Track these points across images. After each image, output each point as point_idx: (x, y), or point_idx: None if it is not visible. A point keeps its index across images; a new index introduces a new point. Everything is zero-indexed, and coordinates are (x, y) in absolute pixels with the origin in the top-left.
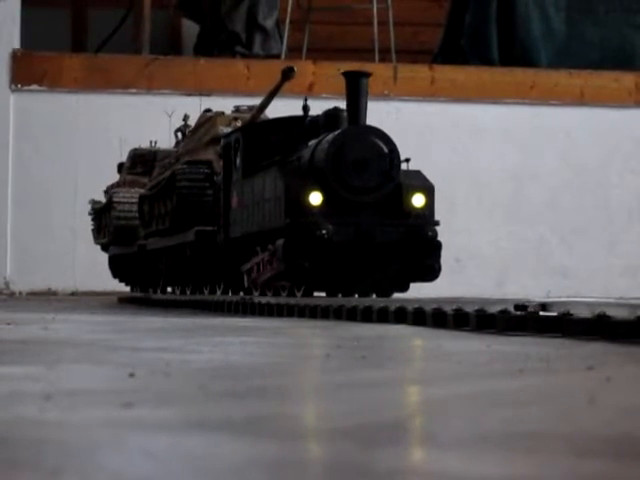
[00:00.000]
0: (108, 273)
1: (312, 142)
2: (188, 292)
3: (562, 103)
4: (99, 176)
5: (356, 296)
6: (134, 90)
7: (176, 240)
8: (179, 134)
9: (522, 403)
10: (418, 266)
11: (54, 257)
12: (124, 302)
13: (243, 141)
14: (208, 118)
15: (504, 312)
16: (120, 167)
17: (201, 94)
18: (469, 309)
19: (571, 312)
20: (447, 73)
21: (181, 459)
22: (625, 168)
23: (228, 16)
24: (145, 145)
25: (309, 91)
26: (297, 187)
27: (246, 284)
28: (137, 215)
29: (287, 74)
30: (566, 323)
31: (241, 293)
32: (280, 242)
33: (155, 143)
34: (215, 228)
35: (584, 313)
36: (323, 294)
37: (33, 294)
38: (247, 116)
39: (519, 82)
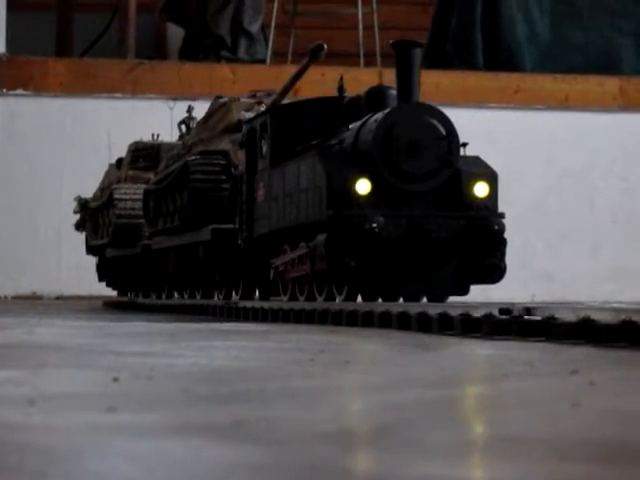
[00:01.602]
0: (94, 277)
1: (354, 124)
2: (199, 297)
3: (547, 107)
4: (84, 180)
5: (401, 300)
6: (119, 94)
7: (187, 239)
8: (183, 126)
9: (506, 407)
10: (480, 265)
11: (39, 261)
12: (109, 306)
13: (272, 125)
14: (222, 104)
15: (489, 316)
16: (119, 163)
17: (173, 100)
18: (453, 313)
19: (555, 316)
20: (432, 77)
21: (164, 464)
22: (609, 172)
23: (213, 20)
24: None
25: (294, 95)
26: (341, 174)
27: (271, 277)
28: (141, 213)
29: (316, 53)
30: (550, 327)
31: (251, 295)
32: (322, 237)
33: (157, 136)
34: (235, 226)
35: (568, 317)
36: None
37: (18, 298)
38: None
39: (504, 86)
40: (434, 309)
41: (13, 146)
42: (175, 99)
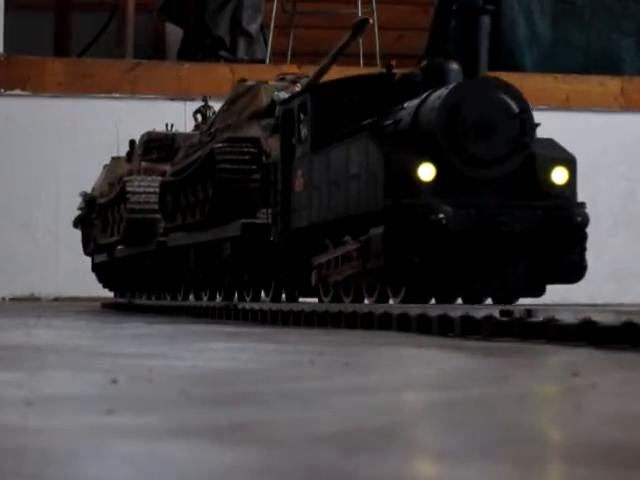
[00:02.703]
0: (92, 279)
1: (409, 102)
2: (219, 298)
3: (548, 107)
4: (82, 181)
5: (459, 301)
6: (118, 94)
7: (212, 236)
8: (198, 116)
9: (507, 410)
10: (558, 263)
11: (37, 262)
12: (107, 308)
13: (312, 105)
14: (248, 88)
15: (489, 318)
16: (130, 155)
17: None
18: (454, 315)
19: (557, 318)
20: None
21: (163, 466)
22: (611, 173)
23: (212, 20)
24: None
25: None
26: (400, 158)
27: (314, 282)
28: (156, 207)
29: (360, 27)
30: (551, 329)
31: (279, 297)
32: (378, 231)
33: (172, 126)
34: (268, 220)
35: (569, 319)
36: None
37: (16, 300)
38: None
39: None
40: (434, 310)
41: (10, 147)
42: (173, 99)
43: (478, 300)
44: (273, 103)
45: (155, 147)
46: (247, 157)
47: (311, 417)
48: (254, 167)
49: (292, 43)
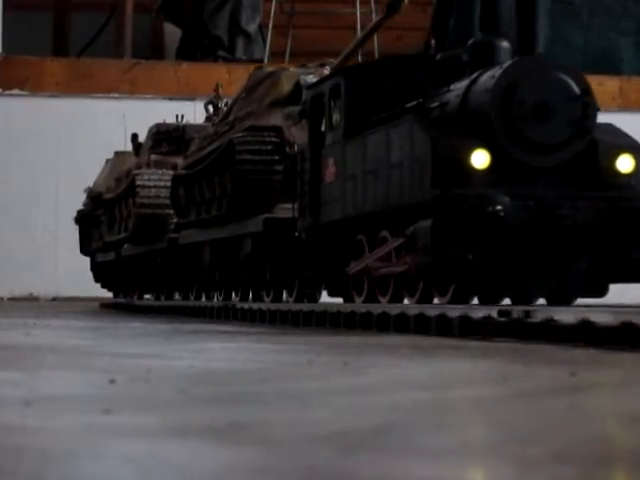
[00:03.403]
0: (91, 279)
1: (456, 84)
2: (236, 298)
3: None
4: (81, 181)
5: (507, 301)
6: (116, 94)
7: (230, 232)
8: (210, 107)
9: (505, 409)
10: (623, 259)
11: (35, 262)
12: (106, 308)
13: (346, 88)
14: (268, 74)
15: (488, 318)
16: (138, 148)
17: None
18: (452, 315)
19: (555, 318)
20: None
21: (161, 466)
22: None
23: (211, 20)
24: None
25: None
26: (452, 143)
27: (350, 274)
28: (167, 202)
29: (394, 6)
30: (549, 329)
31: (308, 297)
32: (425, 224)
33: (182, 118)
34: (293, 214)
35: (568, 319)
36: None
37: (15, 299)
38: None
39: None
40: (432, 310)
41: (9, 147)
42: (172, 99)
43: (528, 301)
44: (295, 90)
45: (165, 139)
46: (269, 147)
47: (309, 417)
48: (277, 158)
49: (290, 43)
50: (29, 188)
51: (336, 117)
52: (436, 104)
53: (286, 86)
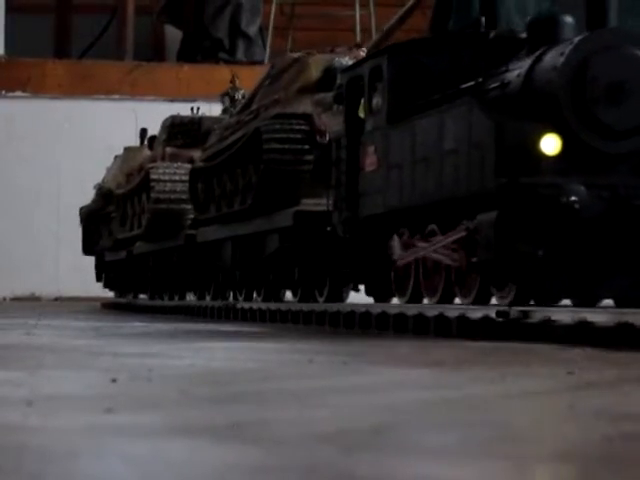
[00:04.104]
0: (92, 278)
1: (515, 63)
2: (259, 299)
3: None
4: (82, 182)
5: (566, 302)
6: (117, 96)
7: (255, 227)
8: (226, 99)
9: (504, 408)
10: None
11: (37, 262)
12: (107, 308)
13: (390, 69)
14: (294, 60)
15: (486, 319)
16: (151, 141)
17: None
18: (451, 315)
19: (552, 318)
20: None
21: (162, 465)
22: None
23: (211, 23)
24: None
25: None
26: (518, 127)
27: (393, 270)
28: (183, 197)
29: None
30: (548, 329)
31: (339, 296)
32: (488, 216)
33: (197, 110)
34: (327, 207)
35: (565, 319)
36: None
37: (17, 299)
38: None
39: None
40: (431, 310)
41: (11, 148)
42: (172, 100)
43: (595, 302)
44: (325, 76)
45: (180, 132)
46: (298, 135)
47: (309, 416)
48: (306, 147)
49: (290, 45)
50: (31, 189)
51: (377, 101)
52: (496, 84)
53: (314, 72)
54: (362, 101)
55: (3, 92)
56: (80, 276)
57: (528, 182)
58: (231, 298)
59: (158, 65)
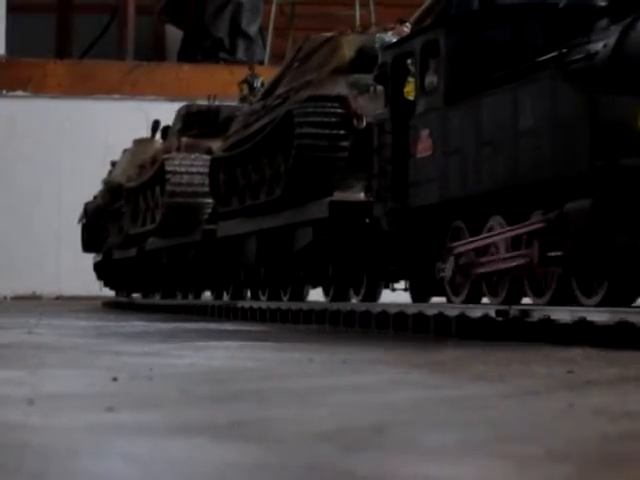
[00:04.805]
0: (93, 277)
1: (598, 34)
2: (285, 298)
3: None
4: (83, 182)
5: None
6: (118, 96)
7: (284, 220)
8: (245, 86)
9: (503, 408)
10: None
11: (38, 262)
12: (108, 307)
13: (448, 43)
14: (325, 40)
15: (486, 318)
16: (165, 131)
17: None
18: (451, 314)
19: (552, 318)
20: None
21: (163, 463)
22: None
23: (212, 23)
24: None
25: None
26: (615, 102)
27: (448, 274)
28: (200, 190)
29: None
30: (547, 328)
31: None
32: (581, 204)
33: (214, 98)
34: (369, 196)
35: (565, 319)
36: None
37: (18, 298)
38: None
39: None
40: (431, 309)
41: (12, 147)
42: (173, 100)
43: None
44: (359, 56)
45: (196, 121)
46: (333, 119)
47: (309, 415)
48: (342, 132)
49: (291, 45)
50: (32, 188)
51: (431, 79)
52: (580, 56)
53: (348, 52)
54: (409, 81)
55: (4, 92)
56: (81, 275)
57: (629, 164)
58: (264, 298)
59: (158, 65)
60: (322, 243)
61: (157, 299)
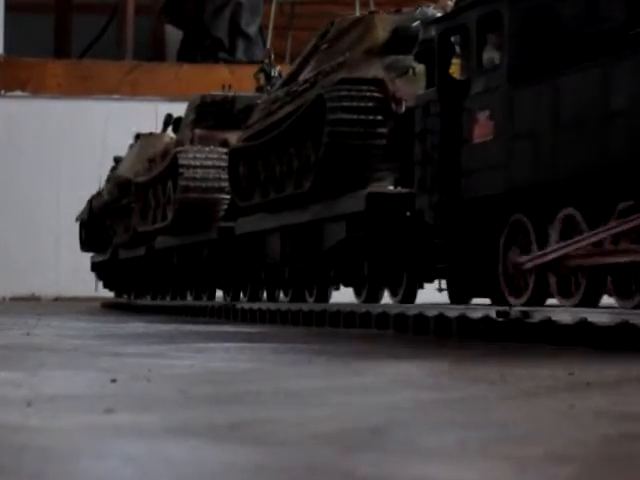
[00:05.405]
0: (91, 279)
1: None
2: (311, 300)
3: None
4: (82, 182)
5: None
6: (117, 96)
7: (313, 214)
8: (261, 76)
9: (504, 409)
10: None
11: (38, 263)
12: (107, 308)
13: (512, 15)
14: (356, 20)
15: (486, 319)
16: (177, 123)
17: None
18: (451, 315)
19: (553, 319)
20: None
21: (162, 464)
22: None
23: (211, 22)
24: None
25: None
26: None
27: (517, 267)
28: (215, 184)
29: None
30: (548, 329)
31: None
32: None
33: (229, 87)
34: (413, 188)
35: (565, 320)
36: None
37: (17, 299)
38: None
39: None
40: (431, 310)
41: (11, 148)
42: (173, 100)
43: None
44: (394, 37)
45: (211, 112)
46: (369, 104)
47: (309, 416)
48: (379, 117)
49: (290, 45)
50: (31, 189)
51: (490, 56)
52: None
53: (382, 32)
54: (453, 62)
55: (3, 92)
56: (80, 276)
57: None
58: (287, 300)
59: (158, 65)
60: (357, 239)
61: (158, 300)
